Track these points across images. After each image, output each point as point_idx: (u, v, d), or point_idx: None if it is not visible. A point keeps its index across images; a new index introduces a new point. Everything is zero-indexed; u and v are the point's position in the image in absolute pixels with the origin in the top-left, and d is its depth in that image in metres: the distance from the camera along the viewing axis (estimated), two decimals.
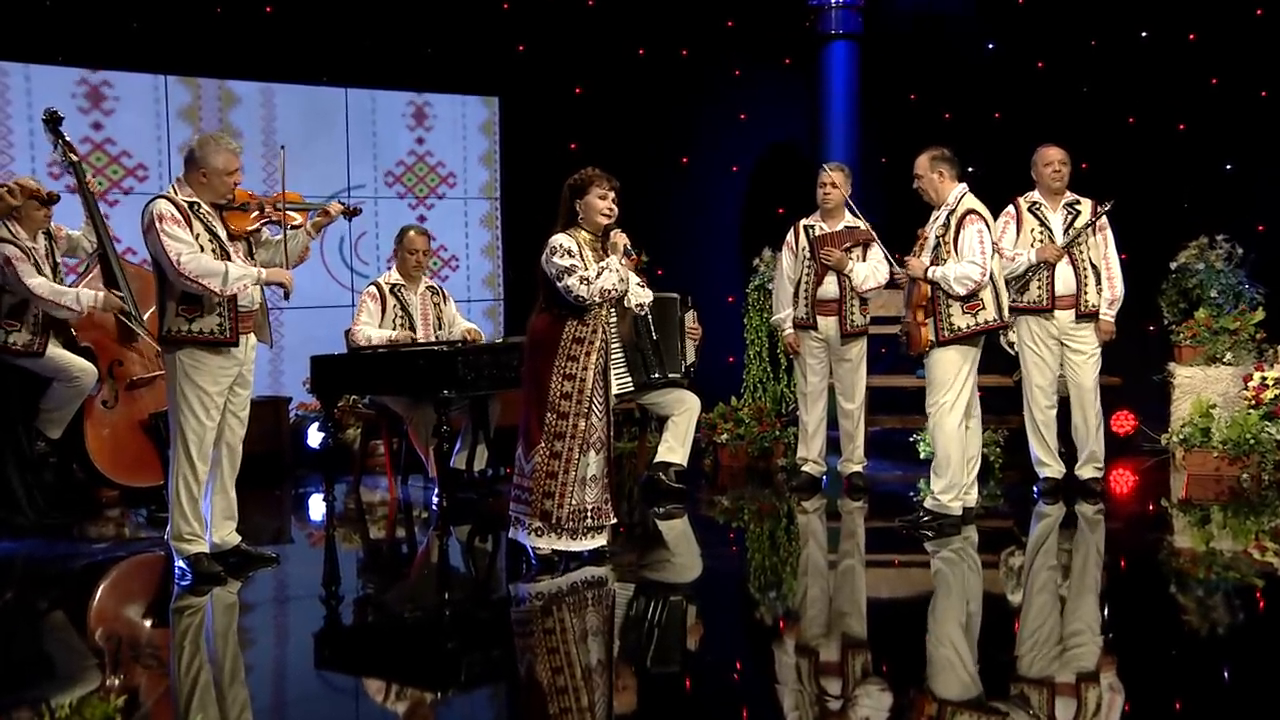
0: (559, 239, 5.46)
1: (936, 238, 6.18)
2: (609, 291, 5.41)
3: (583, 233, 5.52)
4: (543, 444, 5.45)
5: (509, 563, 5.79)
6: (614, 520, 5.72)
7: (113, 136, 8.21)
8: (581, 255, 5.45)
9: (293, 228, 5.67)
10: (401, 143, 9.29)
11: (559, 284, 5.40)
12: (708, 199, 10.16)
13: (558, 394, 5.44)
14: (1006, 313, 6.25)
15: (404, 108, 9.30)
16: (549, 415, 5.44)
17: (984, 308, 6.13)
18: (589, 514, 5.56)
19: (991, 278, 6.14)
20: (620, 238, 5.50)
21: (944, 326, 6.14)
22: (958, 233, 6.11)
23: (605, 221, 5.52)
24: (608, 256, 5.48)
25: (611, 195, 5.52)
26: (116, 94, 8.22)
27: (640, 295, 5.71)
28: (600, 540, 5.64)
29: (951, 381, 6.16)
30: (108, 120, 8.20)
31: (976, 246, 6.06)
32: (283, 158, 5.85)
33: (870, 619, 5.17)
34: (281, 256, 5.61)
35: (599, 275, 5.38)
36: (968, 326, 6.13)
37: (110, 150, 8.20)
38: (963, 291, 6.07)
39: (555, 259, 5.41)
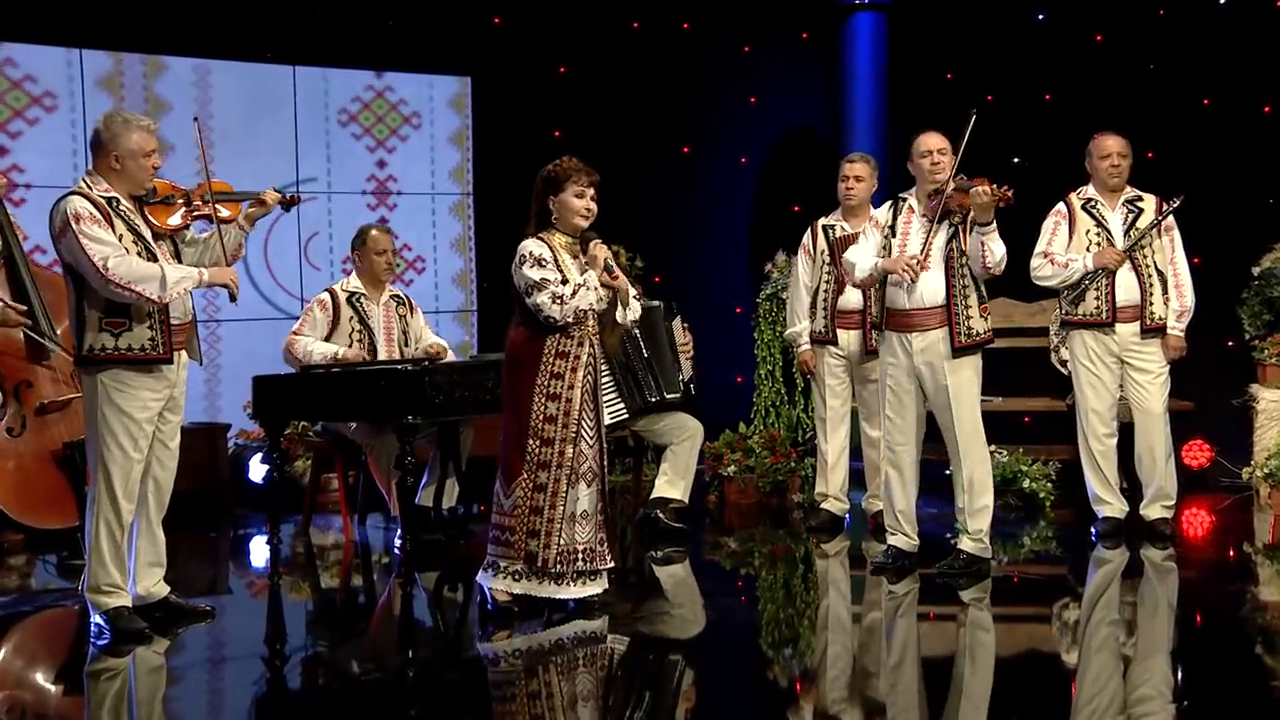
0: (529, 246, 5.45)
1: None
2: (585, 312, 5.42)
3: (558, 236, 5.52)
4: (525, 475, 5.45)
5: (482, 615, 5.78)
6: (610, 564, 5.71)
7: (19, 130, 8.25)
8: (558, 263, 5.44)
9: (224, 221, 5.65)
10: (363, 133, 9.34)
11: (528, 299, 5.40)
12: (713, 195, 10.20)
13: (541, 417, 5.44)
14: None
15: (361, 91, 9.34)
16: (531, 442, 5.44)
17: (990, 313, 6.19)
18: (579, 556, 5.54)
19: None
20: (601, 250, 5.48)
21: (960, 331, 6.11)
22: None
23: (582, 224, 5.51)
24: (586, 263, 5.47)
25: (590, 193, 5.50)
26: (22, 71, 8.24)
27: (634, 308, 5.69)
28: (594, 588, 5.62)
29: (975, 401, 6.17)
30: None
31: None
32: (195, 132, 5.73)
33: (900, 682, 5.15)
34: (212, 256, 5.59)
35: (574, 294, 5.38)
36: (983, 332, 6.13)
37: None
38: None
39: (525, 270, 5.40)
